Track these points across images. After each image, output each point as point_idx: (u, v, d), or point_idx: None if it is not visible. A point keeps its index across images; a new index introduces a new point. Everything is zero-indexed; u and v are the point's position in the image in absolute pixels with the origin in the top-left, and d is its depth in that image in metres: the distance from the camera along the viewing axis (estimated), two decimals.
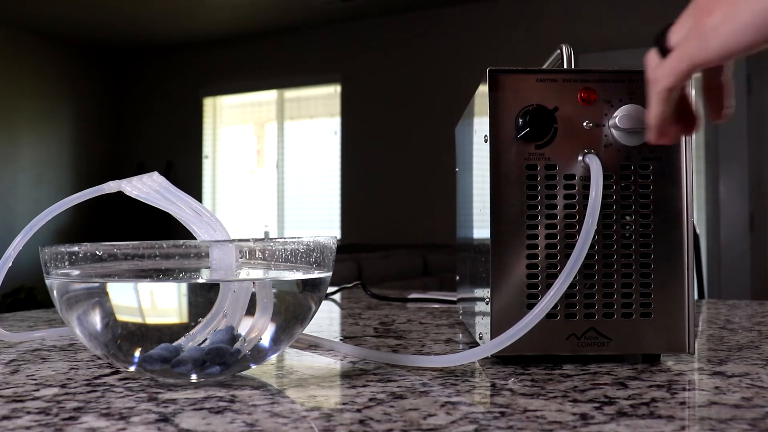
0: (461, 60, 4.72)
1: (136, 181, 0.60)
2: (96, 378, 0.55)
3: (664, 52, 0.47)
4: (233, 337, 0.51)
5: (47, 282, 0.53)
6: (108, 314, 0.50)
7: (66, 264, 0.51)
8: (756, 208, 3.94)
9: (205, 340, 0.51)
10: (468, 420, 0.42)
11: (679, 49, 0.45)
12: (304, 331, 0.67)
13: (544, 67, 0.68)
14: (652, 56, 0.49)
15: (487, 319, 0.60)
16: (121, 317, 0.50)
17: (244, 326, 0.52)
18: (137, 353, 0.51)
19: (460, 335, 0.78)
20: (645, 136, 0.52)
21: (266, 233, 5.53)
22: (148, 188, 0.59)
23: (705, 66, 0.45)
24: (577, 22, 4.43)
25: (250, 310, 0.52)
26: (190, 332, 0.51)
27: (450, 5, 4.85)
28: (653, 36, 0.48)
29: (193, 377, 0.52)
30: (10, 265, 0.61)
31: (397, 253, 3.99)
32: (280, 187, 5.53)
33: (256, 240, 0.53)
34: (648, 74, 0.49)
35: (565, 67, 0.63)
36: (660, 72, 0.47)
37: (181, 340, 0.50)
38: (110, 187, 0.61)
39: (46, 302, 3.86)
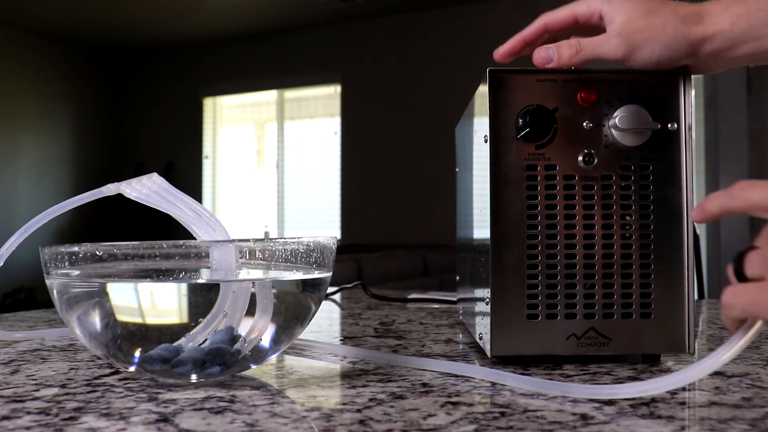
0: (461, 60, 4.72)
1: (135, 182, 0.60)
2: (96, 378, 0.55)
3: (741, 278, 0.42)
4: (233, 338, 0.51)
5: (47, 282, 0.53)
6: (108, 314, 0.50)
7: (66, 264, 0.51)
8: None
9: (206, 340, 0.51)
10: (468, 420, 0.42)
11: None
12: (301, 336, 0.67)
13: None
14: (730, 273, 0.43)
15: (487, 319, 0.60)
16: (121, 317, 0.50)
17: (244, 326, 0.52)
18: (137, 353, 0.51)
19: (460, 335, 0.78)
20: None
21: (266, 233, 5.53)
22: (148, 190, 0.59)
23: None
24: None
25: (250, 311, 0.52)
26: (191, 332, 0.51)
27: (450, 5, 4.84)
28: (732, 256, 0.43)
29: (193, 377, 0.52)
30: (1, 264, 0.60)
31: (397, 253, 3.99)
32: (280, 187, 5.53)
33: (256, 240, 0.53)
34: (725, 296, 0.42)
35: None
36: (734, 300, 0.42)
37: (182, 341, 0.50)
38: (109, 189, 0.60)
39: (46, 302, 3.86)
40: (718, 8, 0.58)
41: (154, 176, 0.60)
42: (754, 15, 0.57)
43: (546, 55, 0.60)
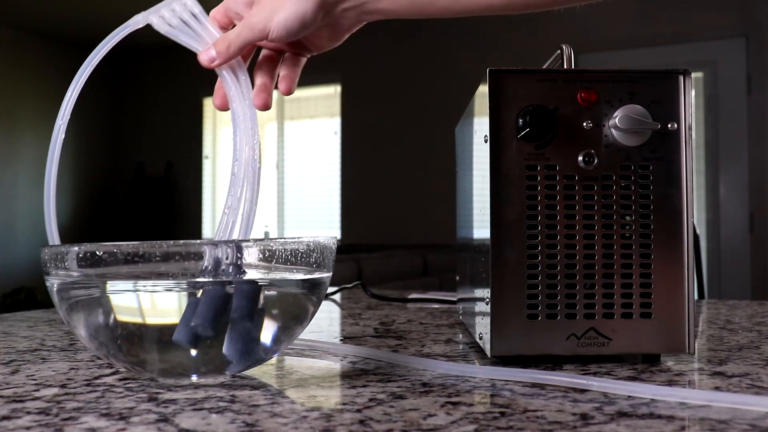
0: (461, 60, 4.72)
1: (164, 9, 0.58)
2: (96, 378, 0.55)
3: None
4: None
5: (47, 282, 0.53)
6: (108, 314, 0.50)
7: (66, 264, 0.51)
8: (756, 208, 3.94)
9: None
10: (468, 420, 0.42)
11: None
12: (301, 336, 0.67)
13: (544, 67, 0.68)
14: None
15: (487, 319, 0.60)
16: (121, 317, 0.50)
17: None
18: (137, 353, 0.51)
19: (460, 335, 0.78)
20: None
21: (266, 233, 5.53)
22: (177, 20, 0.58)
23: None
24: (577, 22, 4.42)
25: None
26: None
27: None
28: None
29: (194, 378, 0.52)
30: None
31: (397, 253, 3.99)
32: (280, 187, 5.53)
33: (256, 240, 0.53)
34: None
35: (565, 67, 0.63)
36: None
37: None
38: (137, 21, 0.60)
39: (46, 302, 3.86)
40: None
41: None
42: None
43: (206, 57, 0.61)
